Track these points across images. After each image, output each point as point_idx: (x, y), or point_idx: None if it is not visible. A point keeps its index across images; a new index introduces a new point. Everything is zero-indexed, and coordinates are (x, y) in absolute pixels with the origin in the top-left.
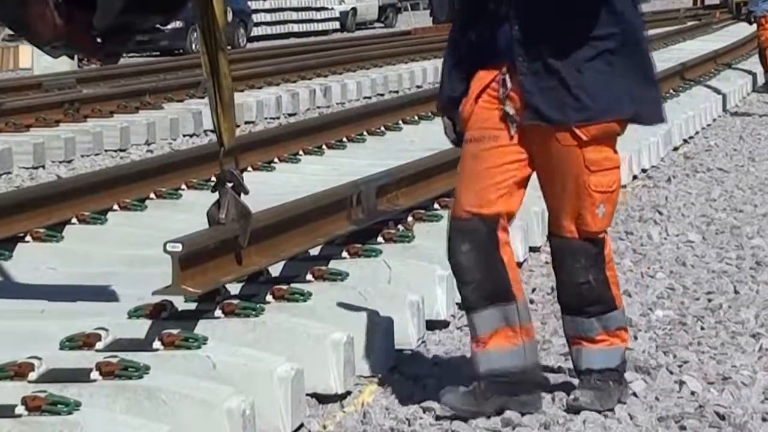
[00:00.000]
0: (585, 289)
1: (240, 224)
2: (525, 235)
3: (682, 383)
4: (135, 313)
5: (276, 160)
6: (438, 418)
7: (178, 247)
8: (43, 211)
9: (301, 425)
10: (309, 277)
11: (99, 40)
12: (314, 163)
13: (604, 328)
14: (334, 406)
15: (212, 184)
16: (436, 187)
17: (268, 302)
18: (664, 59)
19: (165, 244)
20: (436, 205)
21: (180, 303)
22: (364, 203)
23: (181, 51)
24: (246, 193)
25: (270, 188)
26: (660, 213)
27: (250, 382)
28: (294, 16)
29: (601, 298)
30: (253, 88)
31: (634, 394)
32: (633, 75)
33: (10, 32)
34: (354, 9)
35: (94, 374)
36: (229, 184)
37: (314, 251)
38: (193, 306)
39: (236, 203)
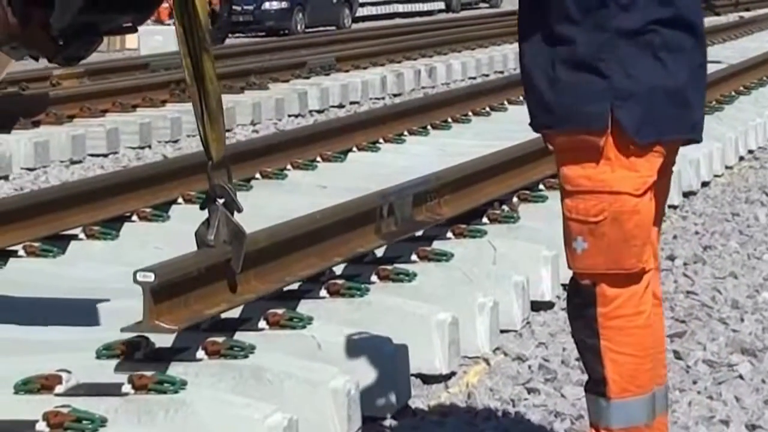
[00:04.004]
0: (577, 345)
1: (233, 246)
2: None
3: None
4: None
5: (381, 140)
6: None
7: (150, 277)
8: (149, 190)
9: (406, 405)
10: (414, 257)
11: (61, 41)
12: (419, 143)
13: (593, 417)
14: (439, 387)
15: (317, 164)
16: (486, 193)
17: (373, 282)
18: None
19: (135, 273)
20: (541, 186)
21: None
22: (397, 214)
23: (286, 31)
24: (239, 210)
25: (376, 168)
26: (767, 194)
27: (355, 361)
28: None
29: (591, 369)
30: (358, 68)
31: (740, 377)
32: None
33: None
34: None
35: (200, 353)
36: (220, 201)
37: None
38: (296, 286)
39: (228, 222)
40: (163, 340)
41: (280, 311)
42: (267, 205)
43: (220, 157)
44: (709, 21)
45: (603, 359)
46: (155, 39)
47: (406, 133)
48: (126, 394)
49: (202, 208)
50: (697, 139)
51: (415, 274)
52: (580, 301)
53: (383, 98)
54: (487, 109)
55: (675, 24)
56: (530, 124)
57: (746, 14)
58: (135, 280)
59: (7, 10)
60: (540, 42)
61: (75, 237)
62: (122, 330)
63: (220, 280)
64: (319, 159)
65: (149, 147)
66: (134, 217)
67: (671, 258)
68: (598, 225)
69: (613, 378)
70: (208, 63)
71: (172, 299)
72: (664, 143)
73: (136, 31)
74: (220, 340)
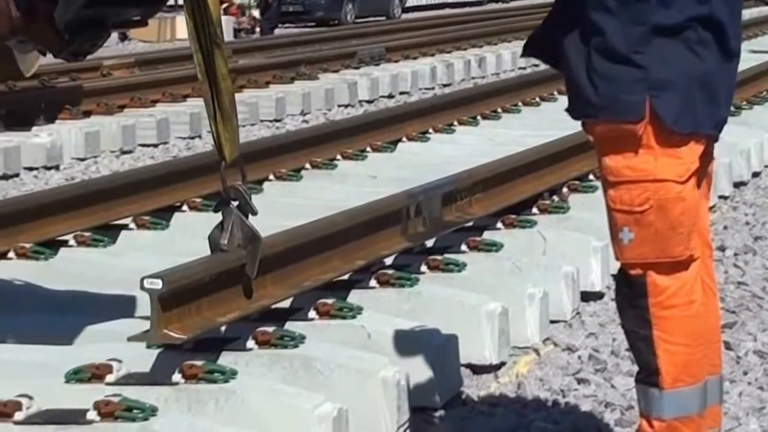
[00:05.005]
0: (627, 336)
1: (248, 251)
2: None
3: None
4: None
5: (431, 130)
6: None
7: (158, 284)
8: (199, 180)
9: (456, 396)
10: (464, 247)
11: (67, 36)
12: (469, 133)
13: (644, 407)
14: (489, 377)
15: (366, 154)
16: (519, 191)
17: (423, 273)
18: None
19: (142, 280)
20: (591, 177)
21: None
22: (425, 214)
23: (336, 22)
24: (254, 213)
25: (425, 158)
26: None
27: (405, 351)
28: None
29: (642, 360)
30: (408, 58)
31: None
32: None
33: (169, 3)
34: None
35: (250, 343)
36: (234, 203)
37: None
38: (346, 277)
39: (242, 226)
40: (213, 330)
41: (330, 301)
42: (316, 196)
43: (233, 157)
44: (760, 11)
45: (656, 349)
46: None
47: (455, 123)
48: (176, 383)
49: (215, 211)
50: (717, 138)
51: (465, 265)
52: (631, 291)
53: (433, 88)
54: (537, 99)
55: (709, 22)
56: (568, 110)
57: None
58: (142, 287)
59: (10, 3)
60: (577, 29)
61: (125, 227)
62: (129, 339)
63: (234, 286)
64: (368, 149)
65: (199, 137)
66: (184, 207)
67: (722, 248)
68: (643, 214)
69: (666, 368)
70: (220, 59)
71: (182, 307)
72: (703, 133)
73: (145, 24)
74: (270, 329)
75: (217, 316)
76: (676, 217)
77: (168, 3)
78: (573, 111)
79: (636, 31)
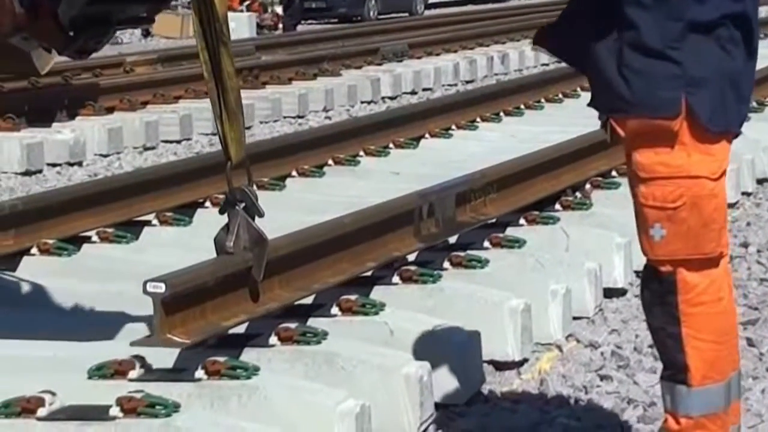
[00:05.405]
0: (653, 333)
1: (254, 253)
2: None
3: None
4: None
5: (453, 127)
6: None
7: (161, 288)
8: (222, 177)
9: (478, 392)
10: (486, 244)
11: (71, 33)
12: (492, 130)
13: (671, 404)
14: (511, 374)
15: (389, 151)
16: (534, 191)
17: (446, 269)
18: None
19: (145, 284)
20: (614, 173)
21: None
22: (438, 215)
23: (359, 18)
24: (261, 215)
25: (448, 155)
26: None
27: (427, 348)
28: None
29: (669, 357)
30: (430, 55)
31: None
32: None
33: None
34: None
35: (273, 339)
36: (240, 205)
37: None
38: (369, 273)
39: (249, 228)
40: (236, 327)
41: (352, 297)
42: (339, 192)
43: (240, 158)
44: None
45: (684, 347)
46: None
47: (478, 119)
48: (199, 379)
49: (221, 213)
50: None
51: (487, 261)
52: (660, 288)
53: (456, 85)
54: (560, 95)
55: (741, 20)
56: (593, 105)
57: None
58: (145, 291)
59: (14, 0)
60: (607, 23)
61: (148, 223)
62: (132, 344)
63: (239, 290)
64: (391, 145)
65: None
66: (207, 204)
67: (744, 245)
68: (676, 211)
69: (696, 365)
70: (227, 58)
71: (186, 311)
72: (733, 132)
73: (152, 22)
74: (293, 326)
75: (222, 320)
76: (709, 214)
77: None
78: (601, 106)
79: (671, 27)
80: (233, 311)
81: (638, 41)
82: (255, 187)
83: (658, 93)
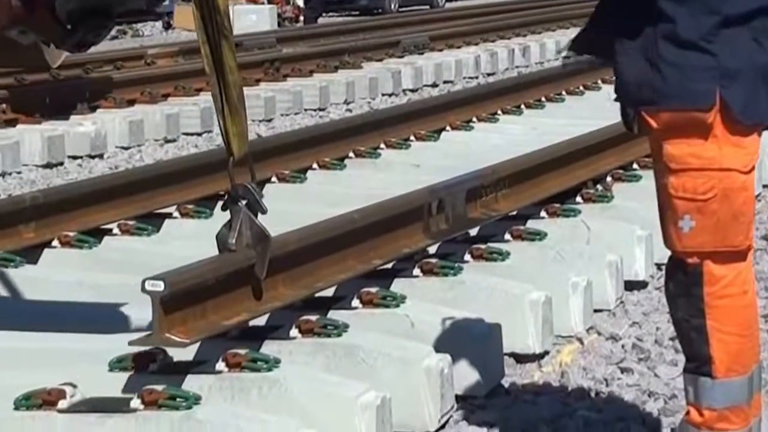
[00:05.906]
0: (677, 325)
1: (256, 251)
2: None
3: None
4: None
5: (474, 119)
6: None
7: (160, 286)
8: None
9: (499, 384)
10: (507, 236)
11: (69, 26)
12: (512, 122)
13: (694, 396)
14: (532, 366)
15: (410, 143)
16: (546, 187)
17: (466, 261)
18: None
19: (143, 282)
20: (635, 165)
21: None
22: (448, 211)
23: (380, 10)
24: (264, 212)
25: (469, 147)
26: None
27: (448, 340)
28: None
29: (693, 350)
30: (452, 47)
31: None
32: None
33: None
34: None
35: (294, 332)
36: (243, 202)
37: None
38: (390, 266)
39: (251, 225)
40: (256, 319)
41: (373, 290)
42: (360, 185)
43: (242, 153)
44: None
45: (709, 339)
46: (249, 18)
47: (499, 112)
48: (220, 371)
49: (223, 209)
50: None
51: (508, 254)
52: (686, 280)
53: (477, 77)
54: (581, 88)
55: None
56: (619, 99)
57: None
58: (143, 289)
59: None
60: (640, 15)
61: (169, 215)
62: (130, 343)
63: (241, 288)
64: (412, 138)
65: None
66: None
67: (765, 238)
68: (707, 203)
69: (720, 357)
70: (228, 51)
71: (186, 309)
72: (764, 125)
73: (152, 14)
74: (313, 318)
75: (223, 319)
76: (739, 207)
77: None
78: (629, 100)
79: (707, 19)
80: (235, 310)
81: (673, 34)
82: (267, 181)
83: (693, 85)
